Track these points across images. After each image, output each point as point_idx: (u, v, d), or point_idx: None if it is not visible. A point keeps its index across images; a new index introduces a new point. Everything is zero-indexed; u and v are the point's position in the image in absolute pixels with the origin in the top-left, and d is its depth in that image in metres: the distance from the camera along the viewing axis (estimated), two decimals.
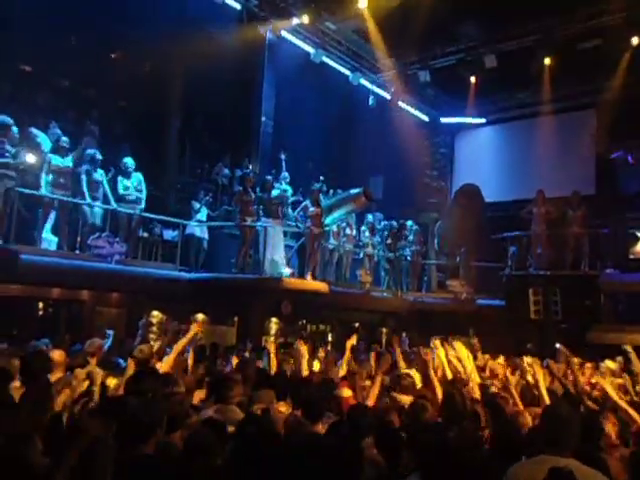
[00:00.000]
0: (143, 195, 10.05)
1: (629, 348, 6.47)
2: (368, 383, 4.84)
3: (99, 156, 9.48)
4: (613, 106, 14.29)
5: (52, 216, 8.97)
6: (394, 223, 14.22)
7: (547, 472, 2.26)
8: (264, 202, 11.09)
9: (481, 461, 3.08)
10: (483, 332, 11.19)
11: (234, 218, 11.06)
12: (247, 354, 7.30)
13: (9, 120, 8.34)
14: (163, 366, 4.50)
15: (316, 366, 5.13)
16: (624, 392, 5.17)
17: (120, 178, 9.89)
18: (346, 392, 4.49)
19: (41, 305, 9.53)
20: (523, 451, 3.11)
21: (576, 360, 5.88)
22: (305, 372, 5.07)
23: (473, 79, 15.10)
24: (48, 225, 8.91)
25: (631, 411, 4.09)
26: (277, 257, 10.48)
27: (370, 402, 4.29)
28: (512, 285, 13.24)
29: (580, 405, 4.28)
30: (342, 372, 5.20)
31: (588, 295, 12.22)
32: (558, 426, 2.79)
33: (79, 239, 9.26)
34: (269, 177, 11.53)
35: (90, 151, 9.60)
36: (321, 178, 12.39)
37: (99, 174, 9.51)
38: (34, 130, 9.08)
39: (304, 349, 5.25)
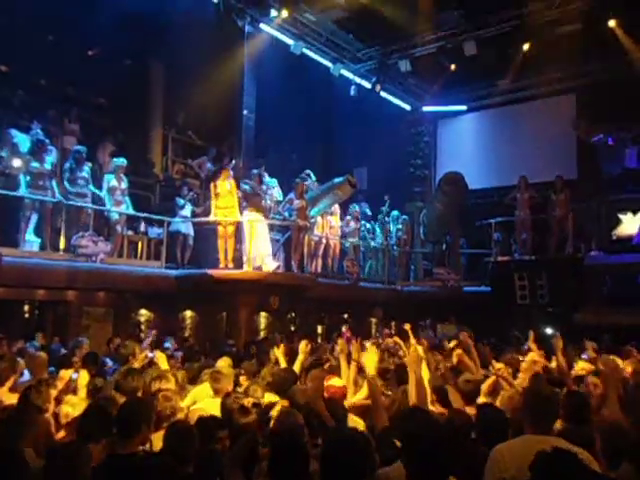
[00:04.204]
0: (128, 200, 10.06)
1: None
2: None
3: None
4: (593, 89, 14.40)
5: (34, 218, 8.90)
6: (367, 211, 14.25)
7: (551, 451, 2.23)
8: (249, 195, 10.97)
9: (466, 446, 3.11)
10: (470, 319, 11.26)
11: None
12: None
13: None
14: None
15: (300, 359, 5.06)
16: None
17: (110, 177, 9.82)
18: (336, 381, 4.42)
19: (27, 307, 9.45)
20: (508, 432, 3.14)
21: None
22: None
23: (453, 67, 15.13)
24: (30, 227, 8.84)
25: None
26: (263, 250, 10.41)
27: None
28: (498, 271, 13.34)
29: (562, 386, 4.33)
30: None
31: (573, 278, 12.33)
32: (540, 405, 2.82)
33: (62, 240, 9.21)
34: (255, 171, 11.42)
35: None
36: (307, 172, 12.33)
37: (86, 172, 9.50)
38: (12, 131, 8.99)
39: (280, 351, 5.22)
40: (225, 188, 10.21)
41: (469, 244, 15.25)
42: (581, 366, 4.42)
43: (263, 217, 10.65)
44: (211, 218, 10.33)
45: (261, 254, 10.23)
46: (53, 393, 3.61)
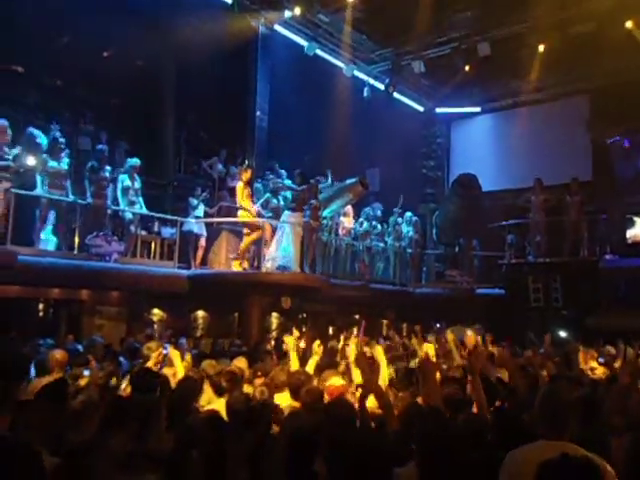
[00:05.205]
0: (141, 200, 10.12)
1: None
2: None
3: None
4: (608, 91, 14.28)
5: (50, 217, 8.97)
6: (378, 212, 14.23)
7: (559, 458, 2.20)
8: (295, 194, 11.04)
9: (483, 450, 3.08)
10: (483, 321, 11.21)
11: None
12: None
13: (5, 122, 8.29)
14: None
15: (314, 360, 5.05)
16: None
17: (124, 177, 9.88)
18: (336, 380, 4.38)
19: (41, 305, 9.52)
20: (525, 437, 3.10)
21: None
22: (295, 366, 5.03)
23: (467, 68, 15.06)
24: (49, 226, 8.90)
25: None
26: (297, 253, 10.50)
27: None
28: (511, 273, 13.26)
29: (578, 388, 4.28)
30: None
31: (588, 281, 12.23)
32: (555, 410, 2.78)
33: (77, 239, 9.28)
34: (298, 170, 11.45)
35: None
36: (317, 178, 12.28)
37: (108, 172, 9.58)
38: (34, 131, 9.05)
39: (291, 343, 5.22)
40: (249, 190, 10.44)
41: (482, 246, 15.16)
42: (601, 370, 4.39)
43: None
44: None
45: (295, 257, 10.33)
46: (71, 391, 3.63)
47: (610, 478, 2.48)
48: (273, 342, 10.47)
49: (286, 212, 10.84)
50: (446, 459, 2.43)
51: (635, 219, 12.84)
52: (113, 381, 4.60)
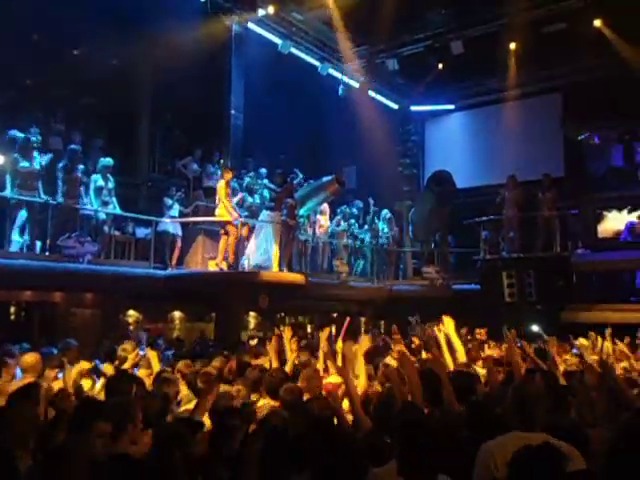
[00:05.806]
0: (114, 200, 9.99)
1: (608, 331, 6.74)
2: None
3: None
4: (580, 88, 14.53)
5: (21, 218, 8.79)
6: (355, 210, 14.30)
7: (527, 448, 2.25)
8: (273, 194, 11.09)
9: (460, 443, 3.11)
10: (460, 317, 11.30)
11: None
12: None
13: None
14: None
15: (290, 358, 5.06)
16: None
17: (96, 177, 9.74)
18: (333, 378, 4.42)
19: (13, 309, 9.35)
20: (498, 429, 3.14)
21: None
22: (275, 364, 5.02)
23: (441, 66, 15.18)
24: (17, 227, 8.73)
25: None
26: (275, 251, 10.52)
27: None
28: (486, 269, 13.40)
29: (550, 380, 4.34)
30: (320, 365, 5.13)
31: (561, 276, 12.43)
32: (526, 402, 2.85)
33: (49, 240, 9.11)
34: (279, 170, 11.49)
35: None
36: (295, 171, 12.34)
37: (80, 172, 9.44)
38: (18, 133, 8.88)
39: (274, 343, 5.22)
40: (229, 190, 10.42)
41: (457, 243, 15.32)
42: (571, 362, 4.50)
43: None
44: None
45: (273, 255, 10.32)
46: (42, 393, 3.57)
47: (579, 464, 2.54)
48: (251, 341, 10.46)
49: (264, 212, 10.83)
50: (425, 454, 2.46)
51: (606, 214, 13.10)
52: (87, 385, 4.54)
